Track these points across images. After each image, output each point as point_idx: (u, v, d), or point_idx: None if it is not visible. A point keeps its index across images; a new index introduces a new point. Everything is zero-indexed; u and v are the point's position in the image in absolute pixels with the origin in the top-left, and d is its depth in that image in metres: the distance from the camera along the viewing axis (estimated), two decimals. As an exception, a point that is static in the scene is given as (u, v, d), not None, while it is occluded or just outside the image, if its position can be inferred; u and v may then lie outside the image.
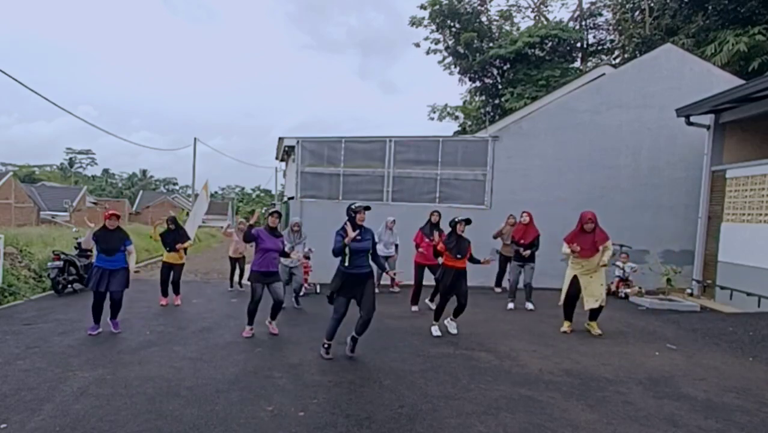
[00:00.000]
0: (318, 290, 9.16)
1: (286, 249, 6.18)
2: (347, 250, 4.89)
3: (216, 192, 77.06)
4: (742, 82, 9.41)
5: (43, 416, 3.63)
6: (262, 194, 65.77)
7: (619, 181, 10.74)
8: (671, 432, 3.58)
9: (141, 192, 64.92)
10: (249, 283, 6.14)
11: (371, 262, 5.14)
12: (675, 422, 3.73)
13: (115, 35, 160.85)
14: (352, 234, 4.83)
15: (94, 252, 6.08)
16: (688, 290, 9.64)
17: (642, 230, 10.53)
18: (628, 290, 9.14)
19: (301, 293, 8.44)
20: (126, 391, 4.14)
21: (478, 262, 6.25)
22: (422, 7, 22.92)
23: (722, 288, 8.73)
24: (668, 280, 8.87)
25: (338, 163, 10.94)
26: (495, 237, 9.44)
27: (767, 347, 5.77)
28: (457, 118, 26.69)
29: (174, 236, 8.01)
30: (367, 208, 5.04)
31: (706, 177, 9.62)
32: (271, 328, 6.19)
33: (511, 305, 8.06)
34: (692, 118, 9.52)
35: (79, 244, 9.83)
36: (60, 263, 8.86)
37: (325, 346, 5.16)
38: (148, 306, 7.75)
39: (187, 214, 18.60)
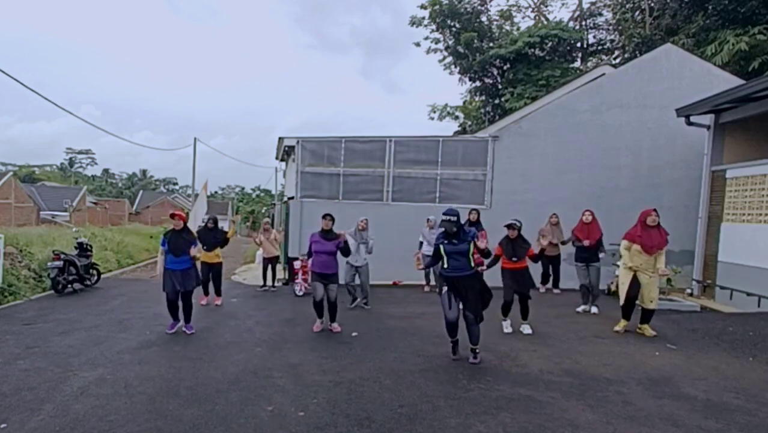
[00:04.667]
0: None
1: (351, 248, 6.65)
2: (442, 251, 4.98)
3: (216, 192, 77.16)
4: (742, 82, 9.41)
5: (43, 416, 3.63)
6: (262, 194, 65.74)
7: (619, 181, 10.74)
8: (671, 432, 3.58)
9: (141, 192, 64.90)
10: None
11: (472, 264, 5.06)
12: (675, 422, 3.73)
13: (118, 35, 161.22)
14: (418, 263, 5.20)
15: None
16: (688, 290, 9.63)
17: (642, 229, 10.49)
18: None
19: (301, 293, 8.43)
20: (126, 391, 4.14)
21: (538, 258, 6.36)
22: (422, 6, 22.94)
23: (722, 288, 8.72)
24: (668, 280, 8.86)
25: (338, 163, 10.94)
26: (540, 238, 9.30)
27: (767, 347, 5.77)
28: (457, 118, 26.68)
29: (211, 236, 8.06)
30: (452, 219, 4.96)
31: (706, 177, 9.62)
32: (332, 327, 6.31)
33: (581, 308, 7.81)
34: (692, 118, 9.51)
35: (79, 244, 9.82)
36: (60, 263, 8.86)
37: (452, 342, 5.20)
38: (148, 306, 7.75)
39: (187, 214, 18.61)
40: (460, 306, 5.06)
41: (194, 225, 10.33)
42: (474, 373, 4.77)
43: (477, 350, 5.14)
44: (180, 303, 6.15)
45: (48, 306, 7.81)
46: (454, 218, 4.92)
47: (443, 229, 5.00)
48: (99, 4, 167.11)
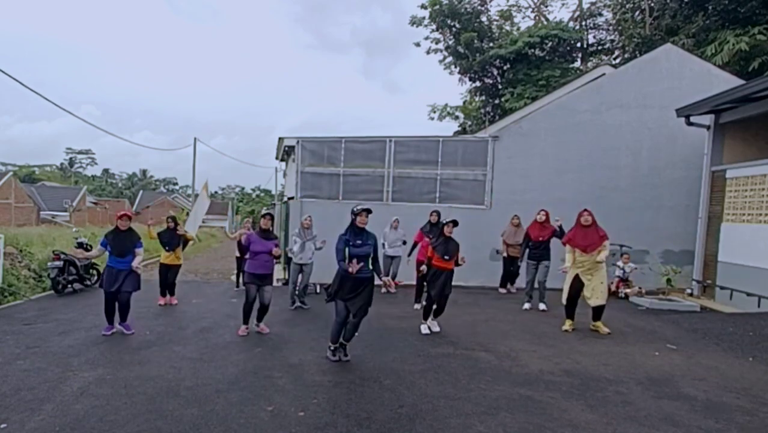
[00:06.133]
0: (318, 290, 9.16)
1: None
2: (347, 254, 4.88)
3: (216, 192, 77.20)
4: (742, 82, 9.41)
5: (43, 416, 3.63)
6: (262, 194, 65.79)
7: (619, 181, 10.74)
8: (671, 432, 3.58)
9: (141, 192, 64.95)
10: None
11: (371, 267, 5.06)
12: (675, 422, 3.73)
13: (118, 35, 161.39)
14: (355, 267, 4.78)
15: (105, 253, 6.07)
16: (688, 290, 9.64)
17: (642, 230, 10.52)
18: (628, 290, 9.13)
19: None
20: (126, 391, 4.14)
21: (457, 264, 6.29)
22: (422, 6, 22.96)
23: (722, 288, 8.72)
24: (668, 280, 8.87)
25: (338, 163, 10.94)
26: (504, 249, 9.28)
27: (767, 347, 5.77)
28: (457, 118, 26.70)
29: (172, 236, 8.00)
30: (369, 211, 5.00)
31: (706, 177, 9.62)
32: (260, 328, 6.23)
33: (527, 306, 7.99)
34: (692, 119, 9.52)
35: (80, 244, 9.83)
36: (60, 263, 8.85)
37: (331, 348, 5.13)
38: (147, 306, 7.74)
39: (187, 214, 18.62)
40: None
41: (194, 227, 10.30)
42: (474, 373, 4.77)
43: (346, 347, 5.13)
44: (117, 302, 6.04)
45: (48, 306, 7.81)
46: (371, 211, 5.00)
47: (355, 223, 4.91)
48: (99, 4, 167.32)
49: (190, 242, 8.47)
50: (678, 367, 5.10)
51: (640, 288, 9.22)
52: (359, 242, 4.89)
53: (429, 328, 6.36)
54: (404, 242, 9.11)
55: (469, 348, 5.63)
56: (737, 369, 5.08)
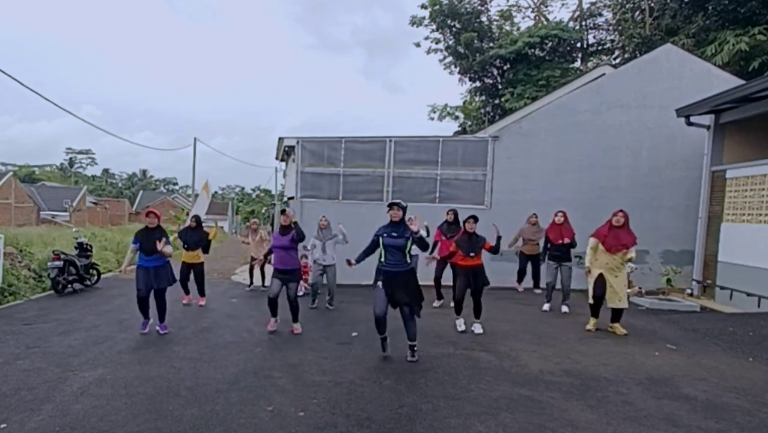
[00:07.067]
0: (318, 291, 9.13)
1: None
2: (381, 243, 4.98)
3: (216, 192, 77.23)
4: (742, 82, 9.41)
5: (43, 416, 3.63)
6: (263, 194, 65.82)
7: (619, 181, 10.74)
8: (671, 432, 3.58)
9: (141, 192, 64.97)
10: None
11: (408, 261, 5.04)
12: (675, 422, 3.73)
13: (118, 35, 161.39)
14: (352, 263, 5.05)
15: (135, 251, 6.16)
16: (688, 290, 9.63)
17: (642, 230, 10.38)
18: (628, 290, 9.09)
19: (301, 293, 8.40)
20: (126, 391, 4.14)
21: (497, 247, 6.17)
22: (423, 6, 22.96)
23: (722, 288, 8.72)
24: (668, 280, 8.87)
25: (338, 163, 10.94)
26: (514, 241, 8.85)
27: (767, 347, 5.77)
28: (457, 118, 26.70)
29: (193, 235, 8.01)
30: (398, 204, 5.02)
31: (706, 177, 9.62)
32: (293, 328, 6.25)
33: (546, 306, 7.91)
34: (692, 119, 9.52)
35: (79, 244, 9.82)
36: (60, 263, 8.85)
37: (380, 339, 5.20)
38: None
39: (187, 214, 18.61)
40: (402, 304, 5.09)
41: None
42: (474, 373, 4.77)
43: (415, 347, 5.14)
44: (153, 302, 6.10)
45: (48, 306, 7.81)
46: (404, 204, 5.05)
47: (389, 218, 5.00)
48: (99, 4, 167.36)
49: (211, 233, 8.51)
50: (678, 367, 5.10)
51: (640, 288, 9.22)
52: (394, 234, 4.94)
53: (463, 324, 6.42)
54: (428, 232, 8.58)
55: (469, 348, 5.63)
56: (737, 369, 5.08)
